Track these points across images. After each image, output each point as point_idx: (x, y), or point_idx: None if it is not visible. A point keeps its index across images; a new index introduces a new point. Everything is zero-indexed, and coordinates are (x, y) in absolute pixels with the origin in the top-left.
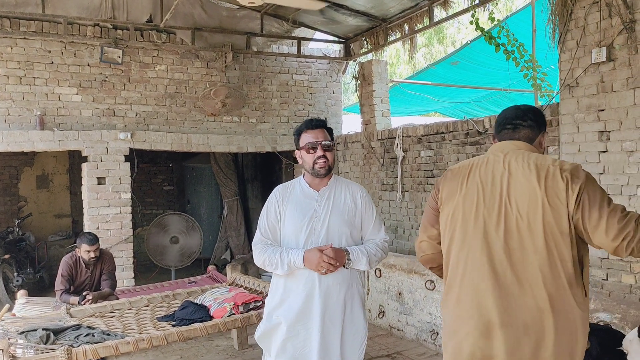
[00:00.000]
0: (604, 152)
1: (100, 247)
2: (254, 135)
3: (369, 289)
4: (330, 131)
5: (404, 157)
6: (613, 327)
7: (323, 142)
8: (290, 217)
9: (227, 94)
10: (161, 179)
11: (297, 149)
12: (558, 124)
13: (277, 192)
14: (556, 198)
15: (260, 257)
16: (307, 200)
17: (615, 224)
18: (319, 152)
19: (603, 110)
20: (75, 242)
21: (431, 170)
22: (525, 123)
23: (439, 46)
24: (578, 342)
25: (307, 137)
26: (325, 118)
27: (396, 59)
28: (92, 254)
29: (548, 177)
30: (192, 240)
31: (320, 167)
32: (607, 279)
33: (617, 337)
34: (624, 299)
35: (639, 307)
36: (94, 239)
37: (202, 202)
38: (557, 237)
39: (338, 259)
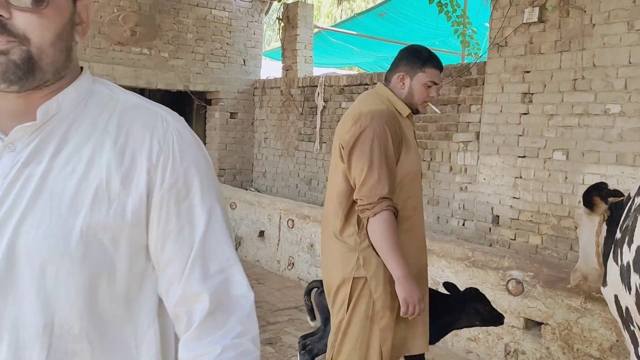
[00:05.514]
0: (525, 114)
1: None
2: (165, 71)
3: (279, 240)
4: None
5: (324, 107)
6: (525, 284)
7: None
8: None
9: (137, 21)
10: None
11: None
12: (483, 83)
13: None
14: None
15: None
16: None
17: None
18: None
19: (529, 72)
20: None
21: None
22: (393, 64)
23: None
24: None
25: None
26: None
27: (320, 4)
28: None
29: (345, 122)
30: None
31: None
32: (515, 239)
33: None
34: (537, 258)
35: (551, 266)
36: None
37: None
38: (339, 172)
39: None
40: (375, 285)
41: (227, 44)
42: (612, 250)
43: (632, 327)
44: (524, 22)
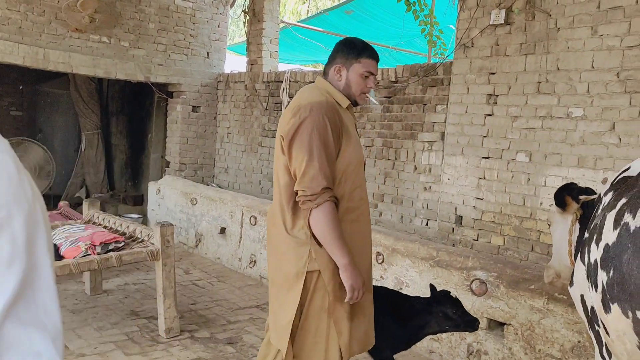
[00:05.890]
0: (490, 115)
1: None
2: (125, 61)
3: (241, 237)
4: None
5: (289, 102)
6: (488, 285)
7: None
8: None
9: (96, 8)
10: (8, 102)
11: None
12: (449, 83)
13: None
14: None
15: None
16: None
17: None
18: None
19: (494, 73)
20: None
21: None
22: (329, 57)
23: None
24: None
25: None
26: None
27: (286, 0)
28: None
29: (285, 115)
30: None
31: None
32: (477, 240)
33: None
34: (500, 259)
35: (514, 267)
36: None
37: (57, 132)
38: (281, 165)
39: None
40: (329, 277)
41: (190, 35)
42: (580, 250)
43: (597, 327)
44: (491, 23)
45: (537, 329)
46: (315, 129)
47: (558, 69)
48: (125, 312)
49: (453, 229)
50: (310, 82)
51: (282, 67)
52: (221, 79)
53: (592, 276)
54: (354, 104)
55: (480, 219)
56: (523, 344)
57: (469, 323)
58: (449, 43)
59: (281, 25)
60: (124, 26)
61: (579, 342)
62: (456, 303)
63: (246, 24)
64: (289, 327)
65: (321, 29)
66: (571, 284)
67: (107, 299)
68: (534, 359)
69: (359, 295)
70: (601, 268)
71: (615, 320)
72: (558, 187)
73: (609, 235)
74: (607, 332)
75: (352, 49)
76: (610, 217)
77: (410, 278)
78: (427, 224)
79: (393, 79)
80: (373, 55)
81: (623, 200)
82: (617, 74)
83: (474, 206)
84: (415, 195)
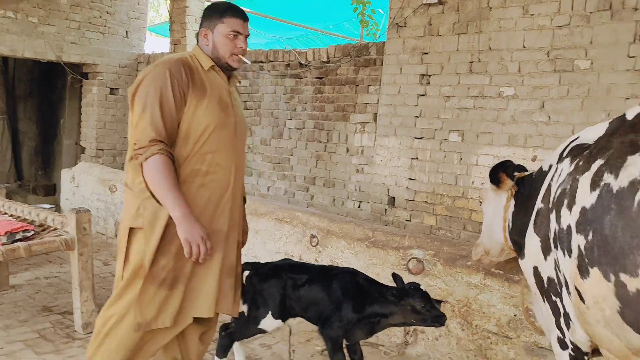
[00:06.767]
0: (423, 95)
1: None
2: (33, 38)
3: None
4: None
5: None
6: (426, 263)
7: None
8: None
9: None
10: None
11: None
12: (382, 64)
13: None
14: None
15: None
16: None
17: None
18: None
19: (427, 53)
20: None
21: (245, 101)
22: (200, 24)
23: None
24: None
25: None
26: None
27: None
28: None
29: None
30: None
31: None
32: (410, 220)
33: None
34: (437, 237)
35: (451, 244)
36: None
37: None
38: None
39: None
40: (149, 236)
41: (107, 12)
42: (532, 221)
43: (553, 298)
44: (424, 2)
45: (473, 305)
46: (153, 83)
47: (490, 48)
48: (36, 308)
49: (386, 210)
50: None
51: None
52: (142, 60)
53: (563, 242)
54: (228, 68)
55: (413, 200)
56: (460, 320)
57: (436, 318)
58: (380, 23)
59: (206, 3)
60: (32, 0)
61: (515, 315)
62: (425, 297)
63: (169, 2)
64: (117, 283)
65: (248, 9)
66: (522, 256)
67: (15, 295)
68: (470, 334)
69: (200, 252)
70: (577, 232)
71: (595, 285)
72: (492, 165)
73: (586, 197)
74: (581, 300)
75: (215, 11)
76: (585, 179)
77: (346, 260)
78: (359, 207)
79: (325, 60)
80: (237, 14)
81: (599, 162)
82: (548, 53)
83: (407, 187)
84: (347, 177)
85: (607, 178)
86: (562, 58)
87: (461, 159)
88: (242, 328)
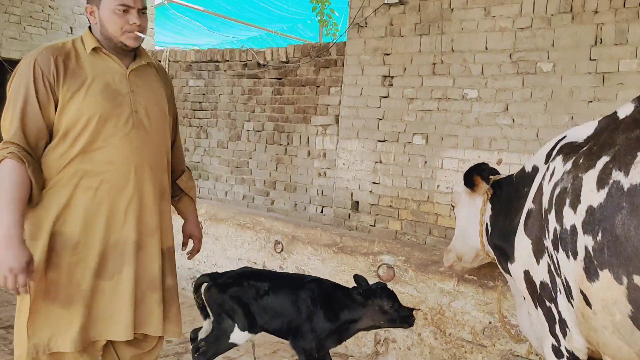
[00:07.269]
0: (386, 97)
1: None
2: None
3: None
4: None
5: None
6: (396, 269)
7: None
8: None
9: None
10: None
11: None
12: (343, 65)
13: None
14: None
15: None
16: None
17: None
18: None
19: (389, 54)
20: None
21: (200, 102)
22: None
23: None
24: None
25: None
26: None
27: None
28: None
29: None
30: None
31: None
32: (374, 225)
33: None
34: (407, 242)
35: (422, 249)
36: None
37: None
38: None
39: None
40: (33, 248)
41: (49, 6)
42: (522, 223)
43: (547, 303)
44: (385, 2)
45: (447, 312)
46: (17, 79)
47: (453, 50)
48: None
49: (349, 215)
50: (193, 62)
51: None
52: None
53: (567, 244)
54: (125, 48)
55: (377, 204)
56: (433, 328)
57: (404, 319)
58: (340, 23)
59: (157, 1)
60: None
61: (490, 323)
62: (392, 296)
63: None
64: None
65: (202, 8)
66: (511, 260)
67: None
68: (444, 343)
69: (7, 284)
70: (584, 232)
71: (604, 288)
72: (459, 168)
73: (592, 196)
74: (587, 304)
75: None
76: (590, 177)
77: (313, 267)
78: (322, 211)
79: (284, 60)
80: None
81: (605, 159)
82: (510, 55)
83: (371, 191)
84: (309, 181)
85: (617, 175)
86: (525, 60)
87: (426, 162)
88: (213, 345)
